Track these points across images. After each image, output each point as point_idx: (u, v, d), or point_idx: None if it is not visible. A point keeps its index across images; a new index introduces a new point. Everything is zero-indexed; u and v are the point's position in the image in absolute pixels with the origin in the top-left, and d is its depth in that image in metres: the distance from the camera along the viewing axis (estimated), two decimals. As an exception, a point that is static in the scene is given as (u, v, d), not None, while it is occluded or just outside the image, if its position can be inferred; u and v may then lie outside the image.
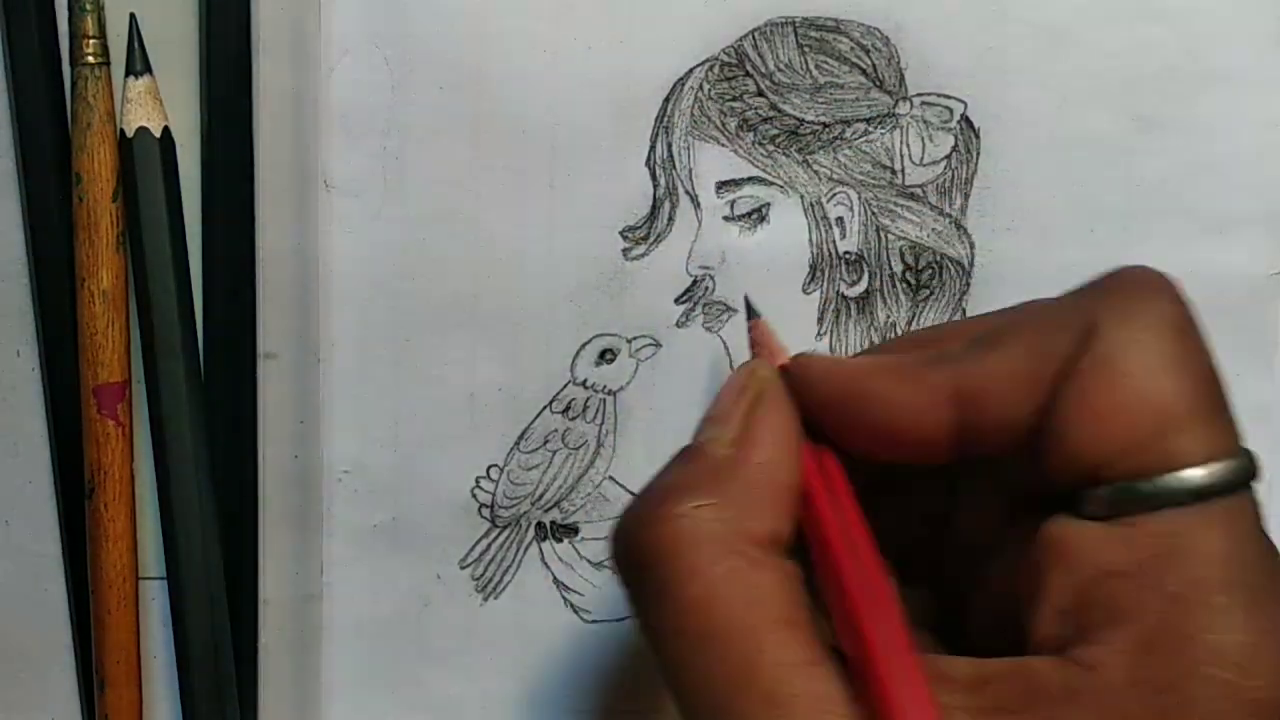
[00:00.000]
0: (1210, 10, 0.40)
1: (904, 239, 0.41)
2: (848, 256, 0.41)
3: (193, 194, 0.40)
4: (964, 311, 0.41)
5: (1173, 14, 0.40)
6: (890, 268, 0.41)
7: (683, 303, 0.41)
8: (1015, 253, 0.41)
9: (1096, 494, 0.26)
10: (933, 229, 0.41)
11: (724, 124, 0.40)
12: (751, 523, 0.28)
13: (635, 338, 0.41)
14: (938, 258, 0.41)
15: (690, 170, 0.40)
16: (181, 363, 0.39)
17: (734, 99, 0.40)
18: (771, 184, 0.40)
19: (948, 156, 0.40)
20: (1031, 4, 0.40)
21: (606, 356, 0.41)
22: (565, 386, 0.41)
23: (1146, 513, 0.26)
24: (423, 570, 0.41)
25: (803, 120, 0.40)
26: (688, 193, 0.40)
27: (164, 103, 0.38)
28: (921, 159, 0.40)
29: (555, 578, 0.42)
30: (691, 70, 0.40)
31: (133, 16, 0.38)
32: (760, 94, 0.40)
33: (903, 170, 0.40)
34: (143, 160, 0.38)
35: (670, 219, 0.40)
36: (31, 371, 0.40)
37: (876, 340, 0.41)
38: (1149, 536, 0.26)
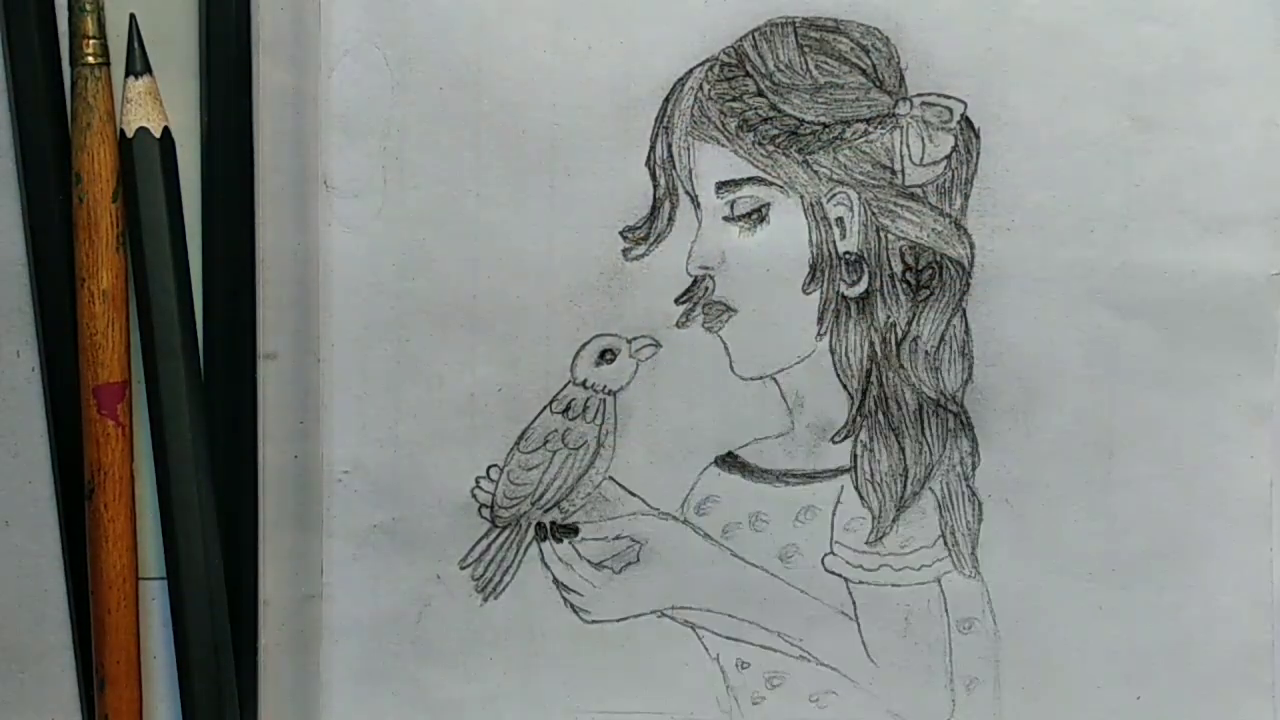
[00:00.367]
0: (1210, 10, 0.40)
1: (904, 239, 0.41)
2: (848, 256, 0.41)
3: (193, 194, 0.40)
4: (964, 312, 0.41)
5: (1173, 14, 0.40)
6: (890, 268, 0.41)
7: (683, 303, 0.41)
8: (1015, 253, 0.41)
9: None
10: (933, 229, 0.41)
11: (724, 124, 0.40)
12: None
13: (635, 338, 0.41)
14: (938, 258, 0.41)
15: (690, 170, 0.40)
16: (181, 363, 0.39)
17: (734, 99, 0.40)
18: (771, 184, 0.40)
19: (948, 156, 0.40)
20: (1031, 4, 0.40)
21: (606, 356, 0.41)
22: (565, 386, 0.41)
23: None
24: (423, 570, 0.41)
25: (803, 120, 0.40)
26: (688, 193, 0.40)
27: (164, 103, 0.38)
28: (921, 159, 0.40)
29: (555, 578, 0.42)
30: (691, 70, 0.40)
31: (133, 16, 0.38)
32: (760, 94, 0.40)
33: (903, 170, 0.40)
34: (143, 160, 0.38)
35: (670, 219, 0.40)
36: (31, 371, 0.40)
37: (877, 340, 0.41)
38: None
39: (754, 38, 0.40)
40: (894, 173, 0.40)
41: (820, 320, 0.41)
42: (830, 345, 0.41)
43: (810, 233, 0.41)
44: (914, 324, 0.41)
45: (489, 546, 0.41)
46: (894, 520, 0.41)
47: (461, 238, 0.40)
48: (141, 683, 0.40)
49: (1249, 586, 0.41)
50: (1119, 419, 0.41)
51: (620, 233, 0.40)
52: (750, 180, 0.40)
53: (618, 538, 0.41)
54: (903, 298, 0.41)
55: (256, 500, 0.40)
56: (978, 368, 0.41)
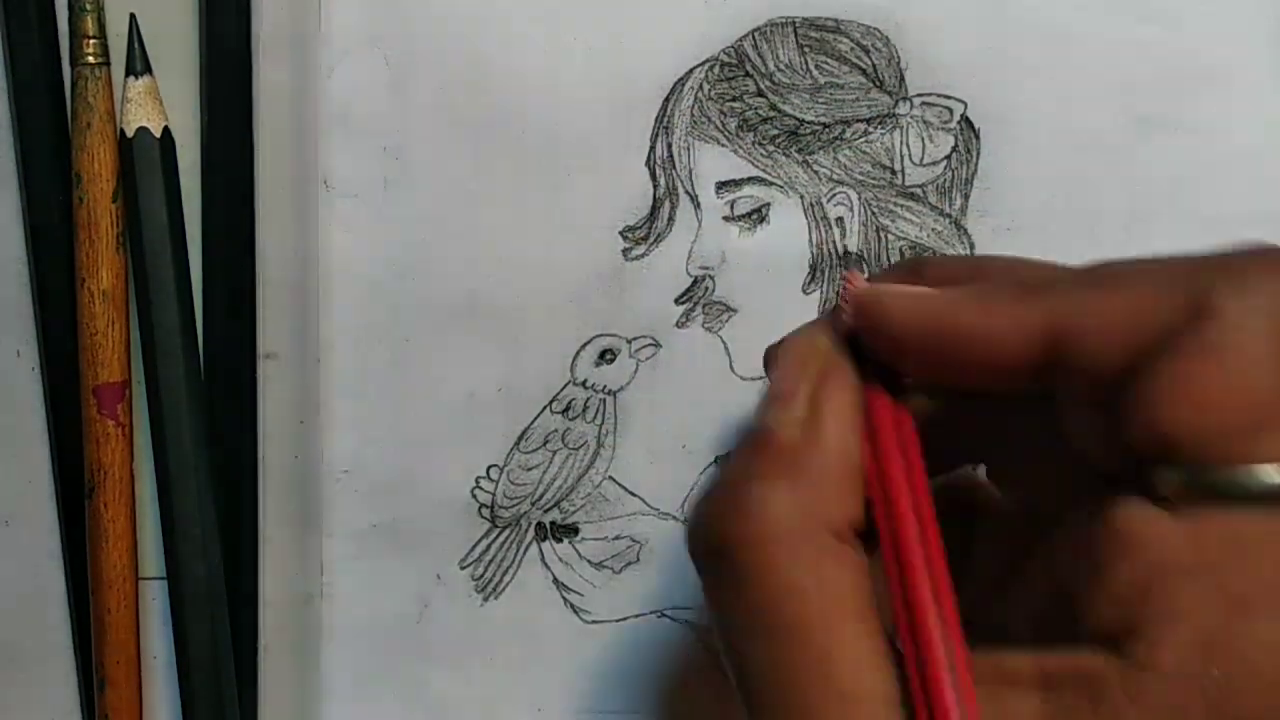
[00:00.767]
0: (1210, 10, 0.40)
1: (904, 239, 0.41)
2: (848, 256, 0.41)
3: (193, 194, 0.40)
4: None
5: (1173, 14, 0.40)
6: (890, 268, 0.41)
7: (683, 303, 0.41)
8: (1015, 252, 0.40)
9: (1170, 475, 0.25)
10: (933, 229, 0.41)
11: (724, 124, 0.40)
12: (828, 510, 0.27)
13: (635, 338, 0.41)
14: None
15: (690, 170, 0.40)
16: (181, 363, 0.39)
17: (734, 99, 0.40)
18: (771, 184, 0.40)
19: (948, 156, 0.40)
20: (1031, 4, 0.40)
21: (606, 356, 0.41)
22: (565, 386, 0.41)
23: (1218, 505, 0.25)
24: (423, 570, 0.41)
25: (803, 120, 0.40)
26: (688, 193, 0.40)
27: (164, 103, 0.38)
28: (921, 159, 0.40)
29: (555, 578, 0.42)
30: (691, 70, 0.40)
31: (133, 16, 0.38)
32: (760, 94, 0.40)
33: (903, 170, 0.40)
34: (143, 160, 0.38)
35: (670, 219, 0.40)
36: (31, 371, 0.40)
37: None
38: (1219, 532, 0.25)
39: (754, 38, 0.40)
40: (894, 173, 0.40)
41: (820, 320, 0.41)
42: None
43: (810, 233, 0.41)
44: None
45: (489, 546, 0.41)
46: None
47: (461, 238, 0.40)
48: (141, 683, 0.40)
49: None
50: (1119, 419, 0.41)
51: (620, 233, 0.40)
52: (750, 180, 0.40)
53: (618, 538, 0.41)
54: (903, 298, 0.41)
55: (256, 500, 0.40)
56: (978, 368, 0.41)
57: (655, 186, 0.40)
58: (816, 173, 0.40)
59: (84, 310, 0.38)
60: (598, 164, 0.40)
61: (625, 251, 0.41)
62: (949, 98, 0.40)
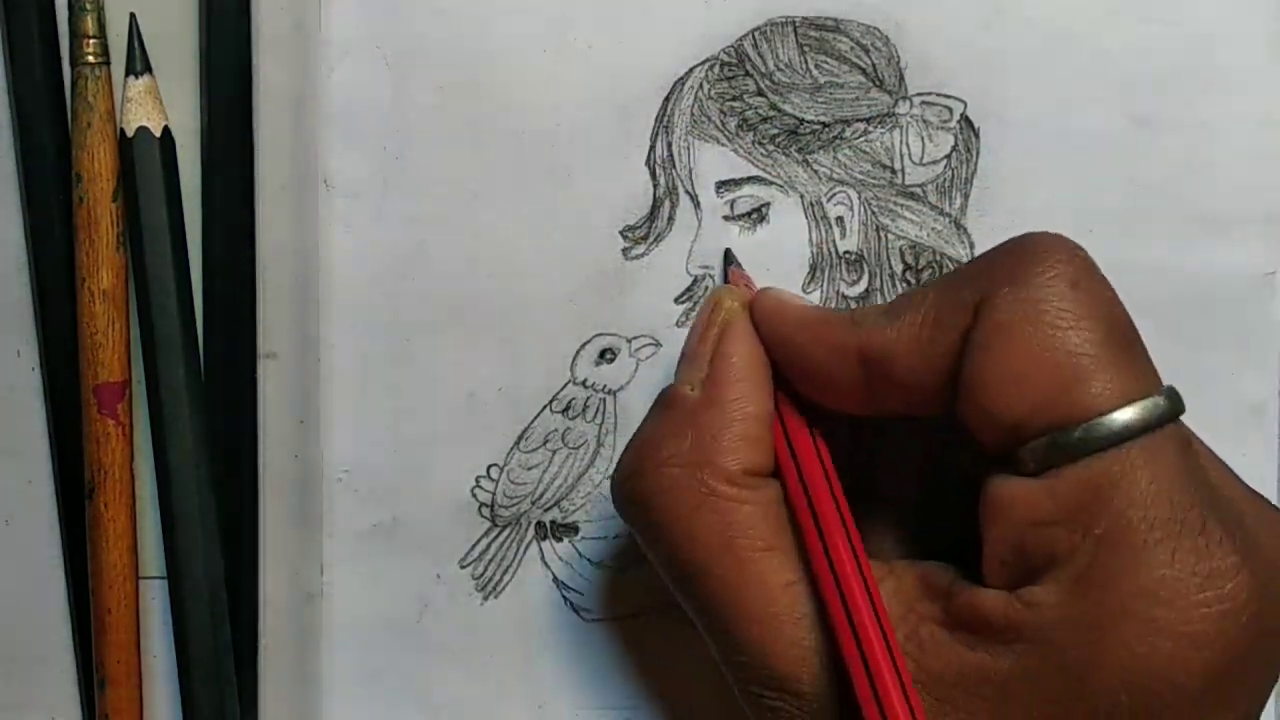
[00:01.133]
0: (1210, 10, 0.40)
1: (904, 238, 0.41)
2: (848, 256, 0.41)
3: (193, 194, 0.40)
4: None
5: (1173, 14, 0.40)
6: (890, 267, 0.41)
7: (683, 303, 0.41)
8: (1015, 252, 0.41)
9: (1026, 450, 0.28)
10: (932, 228, 0.41)
11: (724, 124, 0.40)
12: (724, 461, 0.31)
13: (635, 338, 0.41)
14: (937, 257, 0.41)
15: (690, 170, 0.40)
16: (181, 363, 0.39)
17: (734, 99, 0.40)
18: (771, 184, 0.40)
19: (947, 156, 0.40)
20: (1031, 4, 0.40)
21: (606, 356, 0.41)
22: (565, 386, 0.41)
23: (1073, 462, 0.27)
24: (423, 570, 0.41)
25: (802, 120, 0.40)
26: (688, 192, 0.40)
27: (164, 103, 0.38)
28: (921, 159, 0.40)
29: (555, 577, 0.42)
30: (691, 70, 0.40)
31: (133, 16, 0.38)
32: (760, 94, 0.40)
33: (902, 170, 0.40)
34: (143, 160, 0.38)
35: (670, 219, 0.40)
36: (31, 371, 0.40)
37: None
38: (1076, 484, 0.27)
39: (754, 37, 0.40)
40: (894, 172, 0.40)
41: (820, 320, 0.41)
42: (830, 345, 0.41)
43: (810, 232, 0.41)
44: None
45: (489, 546, 0.41)
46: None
47: (461, 238, 0.40)
48: (141, 683, 0.40)
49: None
50: (1119, 418, 0.41)
51: (620, 232, 0.40)
52: (750, 180, 0.40)
53: (617, 537, 0.41)
54: (903, 297, 0.41)
55: (256, 500, 0.40)
56: (977, 367, 0.41)
57: (655, 186, 0.40)
58: (816, 172, 0.40)
59: (84, 310, 0.38)
60: (598, 164, 0.40)
61: (625, 251, 0.41)
62: (949, 97, 0.40)
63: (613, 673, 0.42)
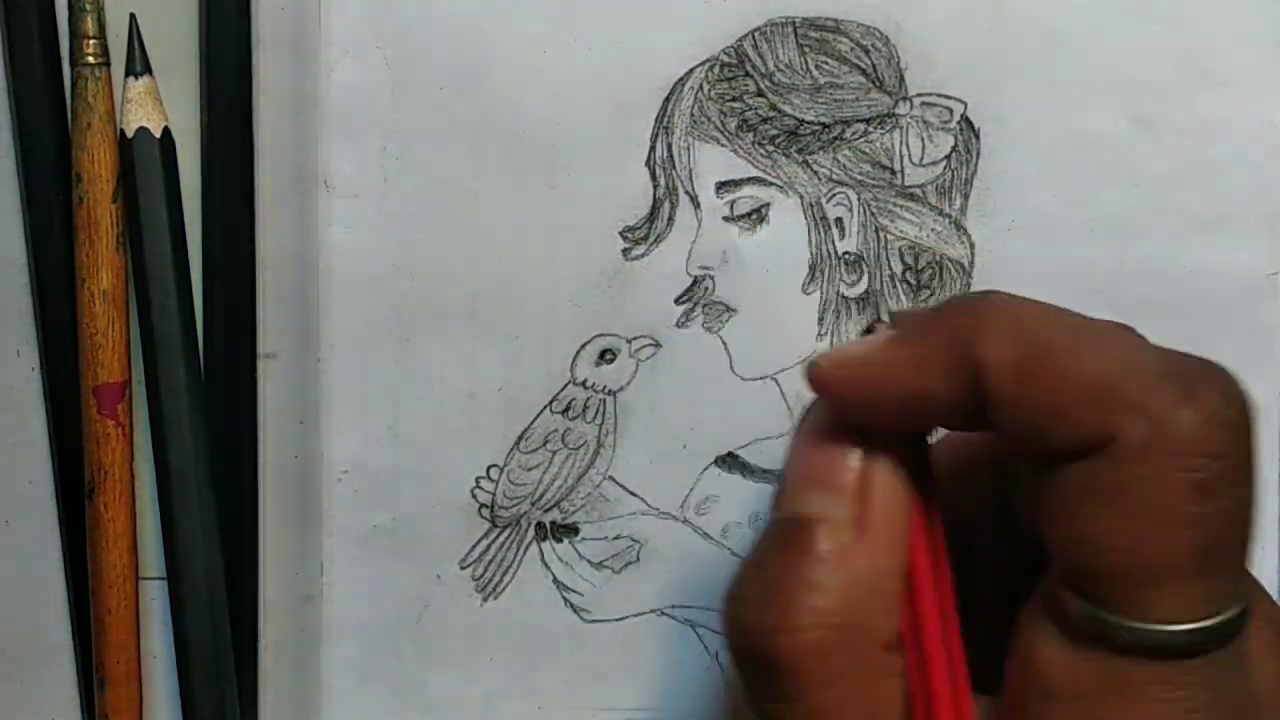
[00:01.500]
0: (1210, 11, 0.40)
1: (904, 239, 0.41)
2: (847, 257, 0.41)
3: (193, 194, 0.40)
4: (964, 311, 0.41)
5: (1173, 14, 0.40)
6: (890, 268, 0.41)
7: (683, 303, 0.41)
8: (1015, 253, 0.41)
9: (1076, 605, 0.25)
10: (932, 229, 0.41)
11: (724, 124, 0.40)
12: (877, 626, 0.27)
13: (635, 338, 0.41)
14: (937, 258, 0.41)
15: (690, 170, 0.40)
16: (181, 363, 0.39)
17: (734, 99, 0.40)
18: (771, 184, 0.40)
19: (947, 157, 0.40)
20: (1031, 4, 0.40)
21: (606, 356, 0.41)
22: (565, 386, 0.41)
23: (1107, 646, 0.25)
24: (423, 570, 0.41)
25: (802, 120, 0.40)
26: (688, 193, 0.40)
27: (164, 103, 0.38)
28: (921, 159, 0.40)
29: (555, 578, 0.42)
30: (691, 70, 0.40)
31: (133, 16, 0.38)
32: (760, 94, 0.40)
33: (902, 170, 0.40)
34: (143, 160, 0.38)
35: (670, 219, 0.40)
36: (31, 371, 0.40)
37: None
38: (1100, 671, 0.25)
39: (754, 38, 0.40)
40: (894, 173, 0.40)
41: (820, 320, 0.41)
42: (830, 345, 0.41)
43: (810, 233, 0.41)
44: (914, 324, 0.41)
45: (489, 546, 0.41)
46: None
47: (461, 238, 0.40)
48: (141, 683, 0.40)
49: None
50: (1119, 419, 0.41)
51: (620, 233, 0.40)
52: (750, 180, 0.40)
53: (617, 538, 0.41)
54: (903, 298, 0.41)
55: (256, 500, 0.40)
56: (978, 368, 0.41)
57: (655, 186, 0.40)
58: (816, 173, 0.40)
59: (84, 310, 0.38)
60: (598, 164, 0.40)
61: (625, 251, 0.41)
62: (949, 98, 0.40)
63: (613, 673, 0.42)
